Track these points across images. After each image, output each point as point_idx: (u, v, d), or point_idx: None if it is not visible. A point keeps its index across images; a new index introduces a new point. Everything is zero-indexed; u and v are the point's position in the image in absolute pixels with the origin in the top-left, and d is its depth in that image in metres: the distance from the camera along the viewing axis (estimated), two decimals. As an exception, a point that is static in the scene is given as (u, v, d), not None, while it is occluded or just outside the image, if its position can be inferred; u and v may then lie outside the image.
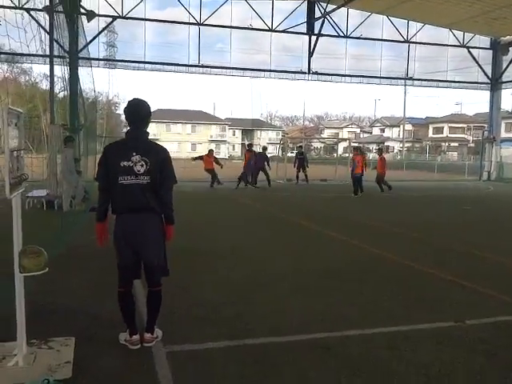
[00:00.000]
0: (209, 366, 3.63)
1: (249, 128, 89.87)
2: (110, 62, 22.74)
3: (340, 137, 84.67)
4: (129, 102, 4.02)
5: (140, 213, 3.80)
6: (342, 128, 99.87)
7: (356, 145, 24.06)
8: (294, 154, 27.72)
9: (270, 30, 23.46)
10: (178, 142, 77.68)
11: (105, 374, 3.49)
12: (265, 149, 22.80)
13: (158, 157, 3.87)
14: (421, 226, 10.81)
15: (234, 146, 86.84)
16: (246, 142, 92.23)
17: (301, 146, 27.74)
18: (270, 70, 24.32)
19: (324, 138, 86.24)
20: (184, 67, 23.25)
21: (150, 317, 4.01)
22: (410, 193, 19.71)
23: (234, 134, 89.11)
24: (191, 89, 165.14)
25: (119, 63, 22.72)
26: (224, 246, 8.25)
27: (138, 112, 3.93)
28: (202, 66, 23.23)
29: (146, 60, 22.51)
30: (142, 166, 3.77)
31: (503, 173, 27.76)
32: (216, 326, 4.43)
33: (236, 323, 4.53)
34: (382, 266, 7.03)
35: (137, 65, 22.79)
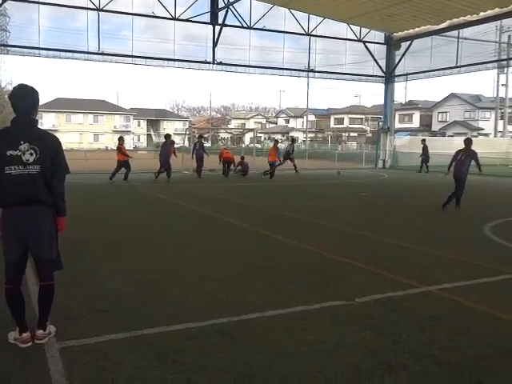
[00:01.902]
0: (105, 359, 3.57)
1: (154, 118, 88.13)
2: (2, 46, 21.22)
3: (247, 127, 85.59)
4: (14, 87, 3.83)
5: (30, 205, 3.64)
6: (248, 119, 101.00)
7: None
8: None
9: (174, 18, 23.12)
10: (79, 133, 74.30)
11: (-8, 375, 3.31)
12: (201, 137, 22.57)
13: (49, 145, 3.72)
14: (322, 213, 11.29)
15: (139, 136, 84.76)
16: (152, 133, 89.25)
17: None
18: (174, 60, 23.99)
19: (231, 129, 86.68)
20: (83, 54, 22.26)
21: (41, 313, 3.86)
22: (312, 181, 20.43)
23: (139, 125, 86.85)
24: (93, 77, 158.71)
25: (12, 49, 21.28)
26: (125, 236, 8.10)
27: (26, 98, 3.74)
28: (102, 54, 22.38)
29: (42, 46, 21.27)
30: (31, 154, 3.61)
31: (397, 161, 29.66)
32: (114, 318, 4.36)
33: (135, 313, 4.49)
34: (287, 252, 7.27)
35: (31, 51, 21.48)
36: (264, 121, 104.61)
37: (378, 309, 4.74)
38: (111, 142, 63.16)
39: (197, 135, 24.52)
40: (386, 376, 3.37)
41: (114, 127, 78.91)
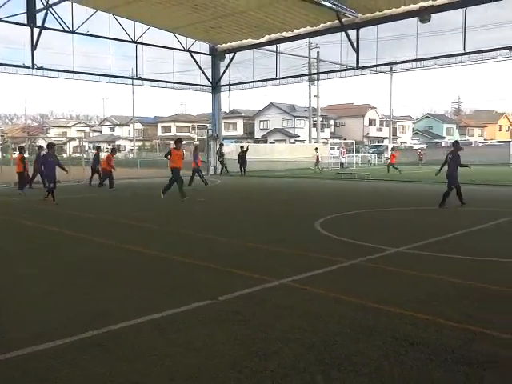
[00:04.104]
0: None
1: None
2: None
3: (68, 136, 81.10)
4: None
5: None
6: (70, 127, 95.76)
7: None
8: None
9: (-17, 17, 21.01)
10: None
11: None
12: (51, 146, 18.45)
13: None
14: (167, 220, 11.38)
15: None
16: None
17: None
18: (-15, 62, 21.78)
19: (51, 138, 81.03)
20: None
21: None
22: (155, 190, 20.31)
23: None
24: None
25: None
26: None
27: None
28: None
29: None
30: None
31: (226, 167, 30.84)
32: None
33: (-8, 339, 4.15)
34: (132, 260, 7.26)
35: None
36: (87, 129, 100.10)
37: (240, 304, 5.07)
38: None
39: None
40: (262, 362, 3.68)
41: None
